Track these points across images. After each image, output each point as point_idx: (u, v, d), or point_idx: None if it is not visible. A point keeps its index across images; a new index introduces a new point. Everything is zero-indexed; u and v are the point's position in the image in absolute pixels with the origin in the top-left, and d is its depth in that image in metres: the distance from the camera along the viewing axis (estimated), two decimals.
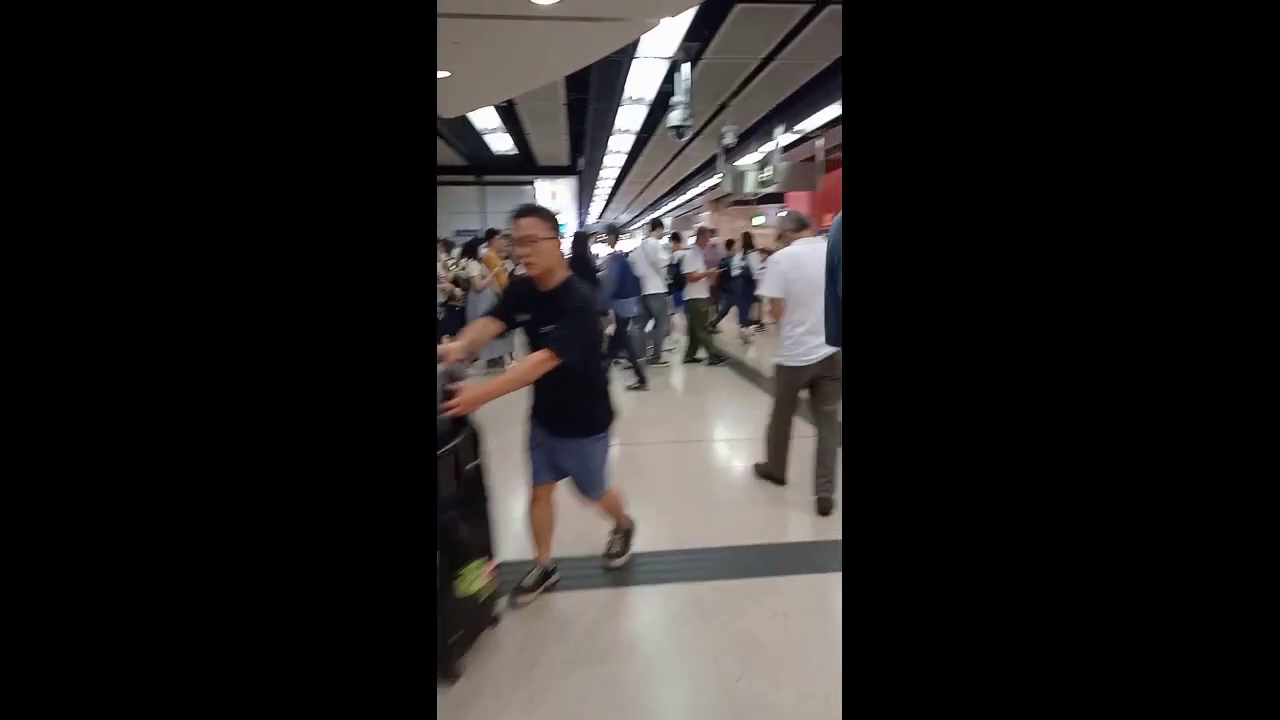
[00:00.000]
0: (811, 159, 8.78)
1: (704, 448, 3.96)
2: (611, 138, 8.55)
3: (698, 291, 6.32)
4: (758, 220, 17.42)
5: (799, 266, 2.82)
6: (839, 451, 2.97)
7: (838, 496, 2.78)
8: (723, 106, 7.09)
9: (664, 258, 6.40)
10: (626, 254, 5.73)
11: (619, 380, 5.68)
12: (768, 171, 8.10)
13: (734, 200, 17.25)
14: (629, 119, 7.52)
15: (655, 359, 6.52)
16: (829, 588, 2.17)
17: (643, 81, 6.06)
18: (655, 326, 6.59)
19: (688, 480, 3.27)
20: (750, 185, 8.64)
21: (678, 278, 6.48)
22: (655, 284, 6.29)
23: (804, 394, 2.94)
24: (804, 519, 2.75)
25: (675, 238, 7.25)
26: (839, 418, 2.96)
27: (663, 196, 16.79)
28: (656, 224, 6.73)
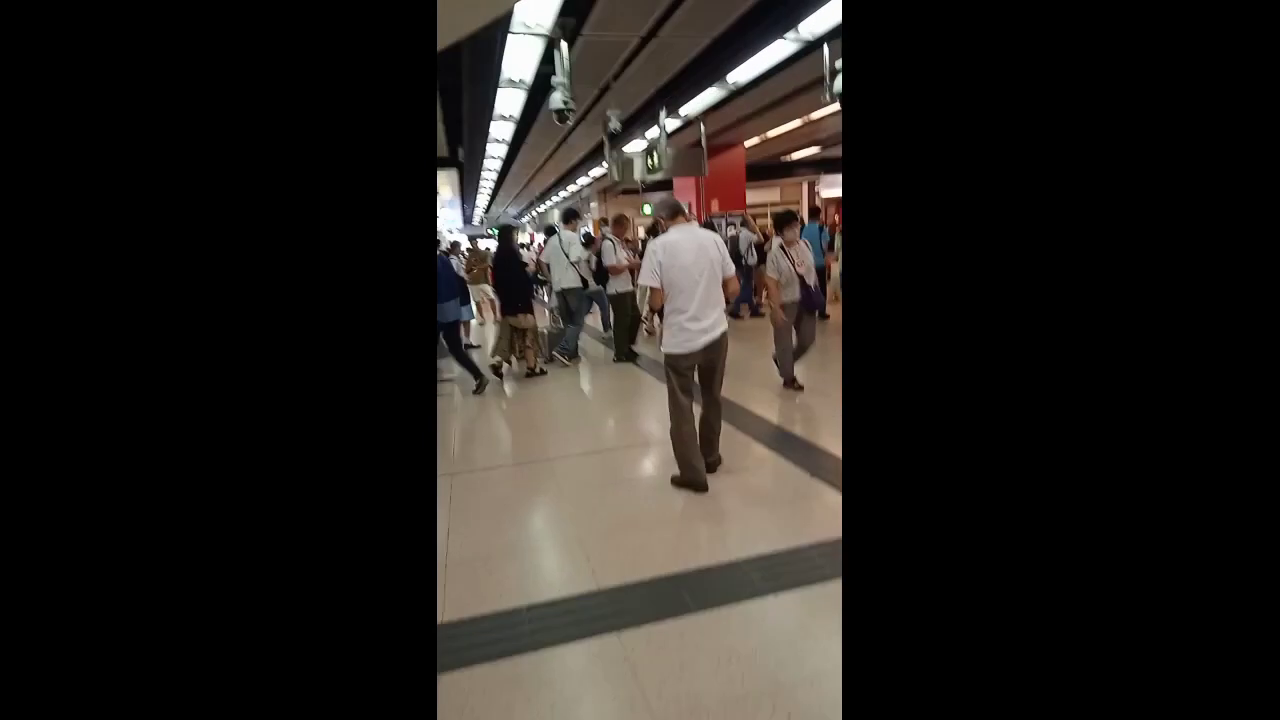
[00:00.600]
0: (698, 144, 8.66)
1: (618, 456, 3.66)
2: (492, 125, 8.02)
3: (622, 285, 5.95)
4: (647, 209, 17.31)
5: (675, 255, 2.75)
6: (720, 425, 3.05)
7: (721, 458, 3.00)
8: (605, 89, 6.75)
9: (579, 251, 6.06)
10: (446, 253, 5.49)
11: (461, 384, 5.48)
12: (654, 158, 7.88)
13: (622, 189, 17.07)
14: (508, 104, 7.01)
15: (573, 357, 6.18)
16: (771, 614, 1.94)
17: (519, 62, 5.61)
18: (573, 322, 6.23)
19: (600, 500, 2.95)
20: (638, 173, 8.39)
21: (599, 271, 6.10)
22: (571, 278, 5.96)
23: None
24: (730, 530, 2.52)
25: (588, 239, 6.92)
26: (719, 397, 2.98)
27: (550, 188, 16.23)
28: (571, 215, 6.31)
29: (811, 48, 5.69)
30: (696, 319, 2.78)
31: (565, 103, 5.17)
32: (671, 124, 7.89)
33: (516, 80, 6.28)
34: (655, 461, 3.31)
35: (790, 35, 5.52)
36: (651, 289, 2.87)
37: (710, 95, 7.10)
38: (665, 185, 15.56)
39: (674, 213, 2.99)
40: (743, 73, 6.38)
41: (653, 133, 8.13)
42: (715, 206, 11.01)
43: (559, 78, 5.18)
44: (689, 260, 2.76)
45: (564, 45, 5.04)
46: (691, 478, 2.88)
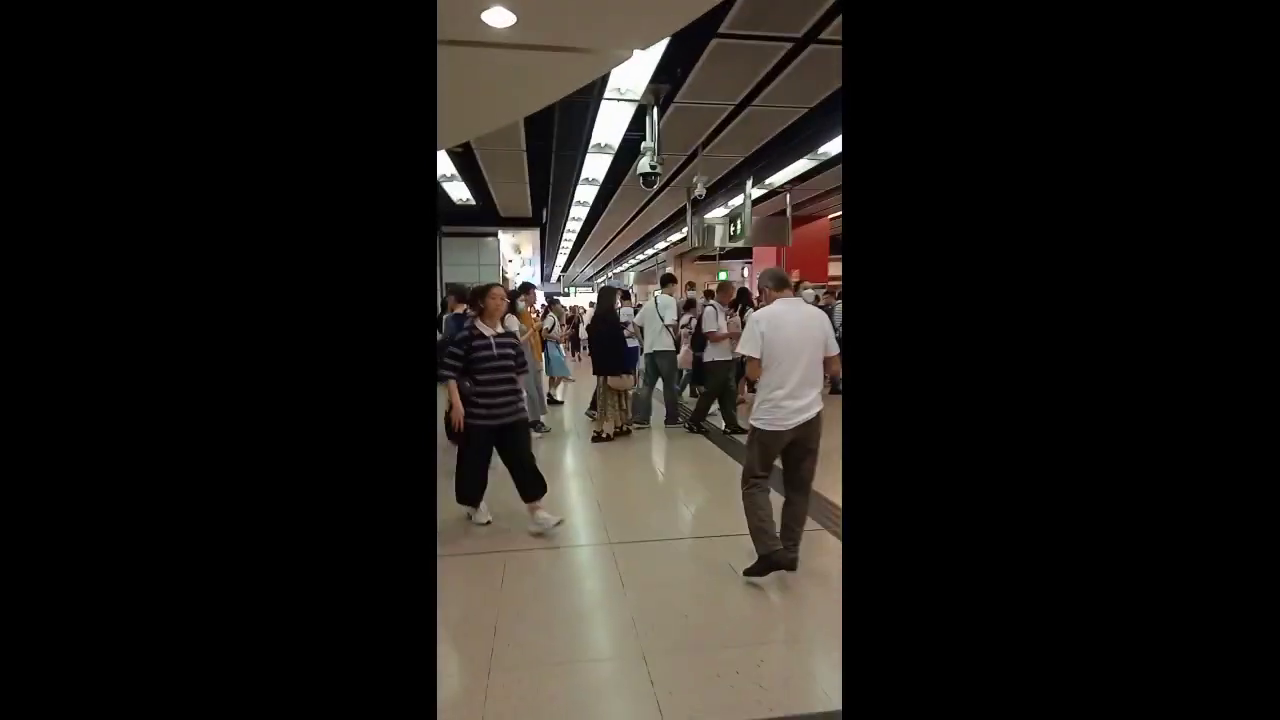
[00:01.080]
0: (782, 213, 8.50)
1: (692, 547, 3.29)
2: (577, 187, 8.17)
3: (719, 353, 5.48)
4: (722, 275, 17.24)
5: (778, 327, 2.64)
6: (805, 517, 2.81)
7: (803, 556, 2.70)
8: (693, 155, 6.73)
9: (673, 315, 5.84)
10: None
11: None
12: (738, 225, 7.75)
13: (700, 255, 17.13)
14: (594, 168, 7.09)
15: (673, 420, 5.96)
16: None
17: (609, 126, 5.62)
18: (666, 387, 6.03)
19: (669, 602, 2.59)
20: (719, 239, 8.29)
21: (697, 336, 5.78)
22: (664, 342, 5.75)
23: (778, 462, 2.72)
24: (815, 654, 2.11)
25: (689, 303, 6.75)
26: (810, 483, 2.79)
27: (627, 250, 16.45)
28: (668, 279, 6.16)
29: None
30: (794, 397, 2.61)
31: (653, 166, 5.11)
32: (756, 192, 7.79)
33: (604, 145, 6.35)
34: (735, 555, 2.93)
35: None
36: (750, 359, 2.72)
37: (799, 166, 6.95)
38: (743, 253, 15.50)
39: (780, 284, 2.86)
40: (835, 145, 6.21)
41: (736, 200, 8.05)
42: (796, 276, 10.75)
43: (648, 142, 5.14)
44: (792, 334, 2.63)
45: (655, 111, 5.01)
46: (771, 555, 2.62)
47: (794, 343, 2.62)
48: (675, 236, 11.97)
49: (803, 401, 2.62)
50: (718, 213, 8.76)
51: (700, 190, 6.46)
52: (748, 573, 2.68)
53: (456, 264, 11.00)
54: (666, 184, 7.93)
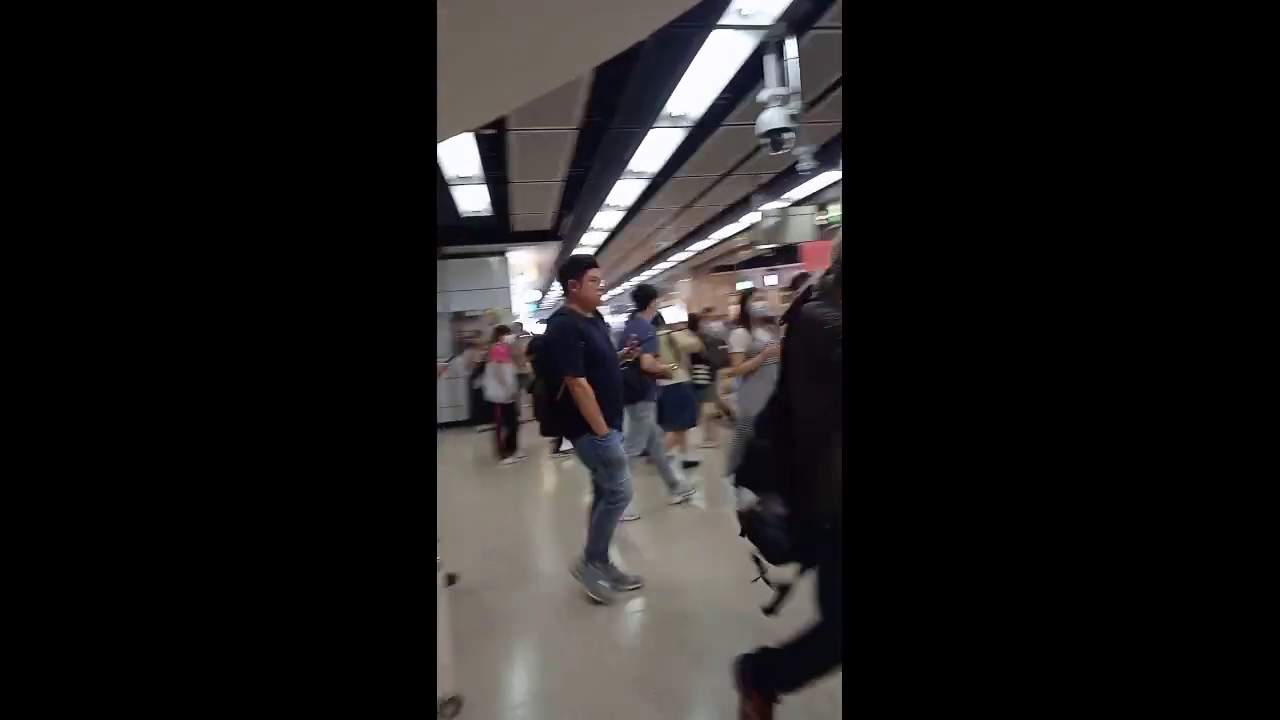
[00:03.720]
0: None
1: None
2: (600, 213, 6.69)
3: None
4: (742, 286, 15.88)
5: None
6: None
7: None
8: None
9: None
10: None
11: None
12: (833, 211, 6.33)
13: (716, 266, 15.74)
14: (657, 148, 5.62)
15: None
16: None
17: (704, 80, 4.16)
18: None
19: None
20: (802, 231, 6.84)
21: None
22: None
23: None
24: None
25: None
26: None
27: (644, 263, 14.96)
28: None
29: None
30: None
31: (793, 118, 3.65)
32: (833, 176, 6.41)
33: (679, 116, 4.95)
34: None
35: None
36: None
37: None
38: (762, 262, 14.15)
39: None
40: None
41: (813, 182, 6.66)
42: None
43: (777, 89, 3.69)
44: None
45: (791, 43, 3.58)
46: None
47: None
48: (725, 231, 10.38)
49: None
50: (782, 203, 7.34)
51: (808, 161, 4.98)
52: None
53: (455, 290, 9.46)
54: (742, 163, 6.48)
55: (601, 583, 2.90)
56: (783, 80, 3.66)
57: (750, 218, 8.20)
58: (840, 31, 3.76)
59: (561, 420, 2.80)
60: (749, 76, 4.00)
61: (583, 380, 2.69)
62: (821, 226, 6.55)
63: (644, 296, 4.35)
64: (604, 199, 7.16)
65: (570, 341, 2.71)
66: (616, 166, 6.02)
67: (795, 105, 3.61)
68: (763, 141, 3.79)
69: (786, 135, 3.72)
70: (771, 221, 6.88)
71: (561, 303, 2.91)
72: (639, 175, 6.38)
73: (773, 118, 3.67)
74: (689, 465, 5.35)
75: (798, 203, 7.22)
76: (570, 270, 2.86)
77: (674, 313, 15.70)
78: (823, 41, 3.73)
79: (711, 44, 3.57)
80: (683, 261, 14.23)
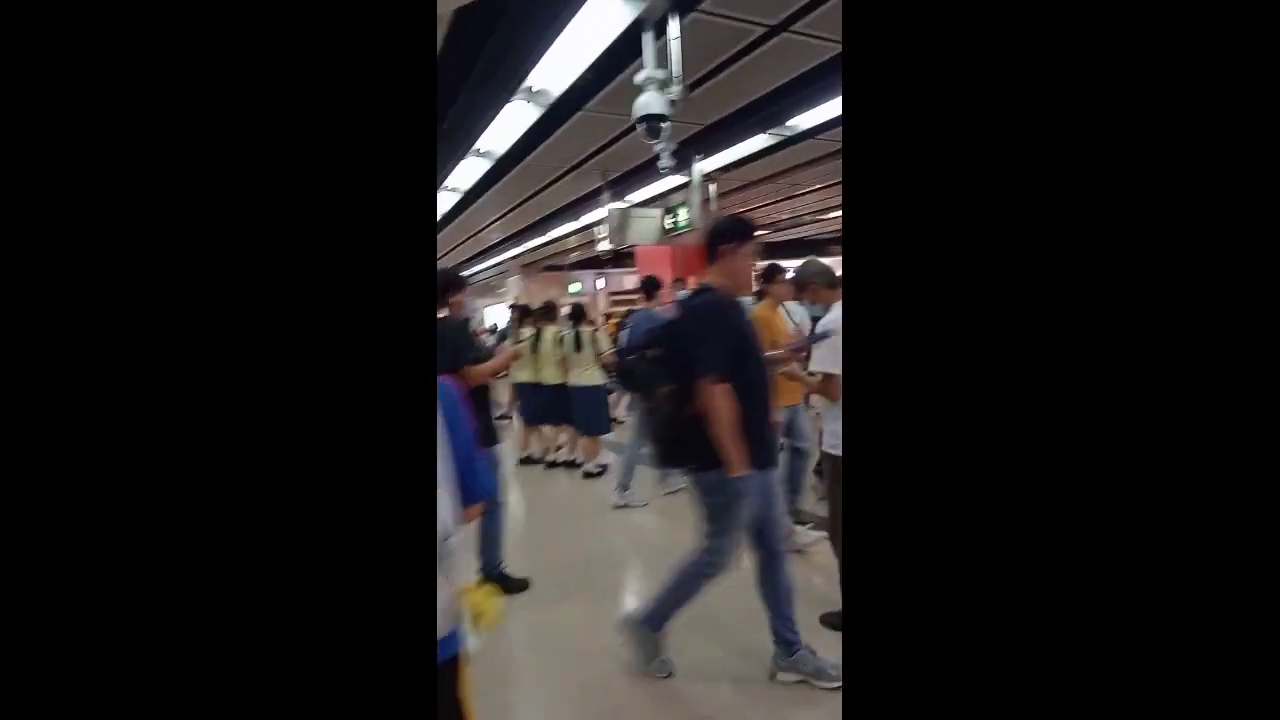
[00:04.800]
0: (706, 202, 7.28)
1: None
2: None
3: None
4: (574, 287, 15.70)
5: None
6: None
7: None
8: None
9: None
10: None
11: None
12: (683, 215, 6.33)
13: (547, 265, 15.35)
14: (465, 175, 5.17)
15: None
16: None
17: (569, 53, 3.84)
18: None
19: None
20: (648, 234, 6.77)
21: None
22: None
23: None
24: None
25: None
26: None
27: (472, 258, 14.09)
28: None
29: None
30: None
31: (674, 103, 3.48)
32: (678, 179, 6.45)
33: (485, 151, 5.00)
34: None
35: None
36: (828, 375, 2.29)
37: (755, 143, 5.76)
38: (593, 264, 14.10)
39: (834, 283, 2.61)
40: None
41: (662, 184, 6.65)
42: (693, 283, 9.64)
43: (654, 71, 3.51)
44: None
45: (674, 22, 3.42)
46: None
47: None
48: (565, 229, 10.03)
49: None
50: (632, 202, 7.24)
51: (667, 159, 4.87)
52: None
53: None
54: (597, 154, 6.22)
55: (652, 659, 2.23)
56: (663, 62, 3.49)
57: (591, 215, 8.01)
58: (719, 20, 3.72)
59: (691, 446, 1.97)
60: (616, 58, 3.78)
61: (727, 386, 1.92)
62: (668, 230, 6.55)
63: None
64: (443, 180, 6.49)
65: (721, 332, 1.96)
66: (461, 143, 5.45)
67: (676, 91, 3.44)
68: (639, 127, 3.57)
69: (665, 124, 3.55)
70: (617, 221, 6.74)
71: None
72: (485, 155, 5.86)
73: (650, 102, 3.47)
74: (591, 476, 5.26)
75: (642, 204, 7.17)
76: (726, 235, 2.07)
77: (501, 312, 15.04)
78: (698, 26, 3.62)
79: (586, 12, 3.28)
80: (513, 258, 13.66)
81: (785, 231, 11.67)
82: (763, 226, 10.76)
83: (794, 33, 3.82)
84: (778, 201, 9.11)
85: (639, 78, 3.54)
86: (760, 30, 3.83)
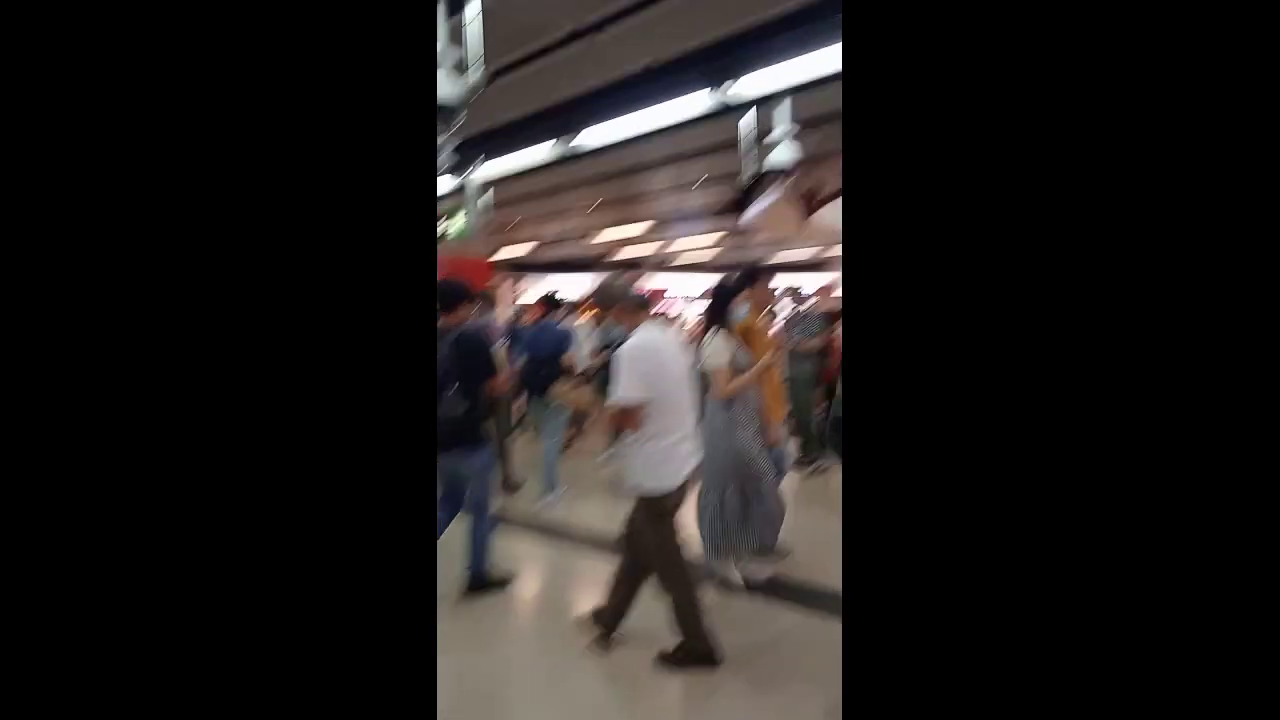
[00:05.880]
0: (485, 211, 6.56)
1: None
2: None
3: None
4: None
5: (663, 361, 2.21)
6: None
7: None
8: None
9: None
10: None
11: None
12: (453, 223, 5.54)
13: None
14: None
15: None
16: None
17: None
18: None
19: None
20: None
21: None
22: None
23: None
24: None
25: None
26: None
27: None
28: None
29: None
30: (688, 438, 2.26)
31: (473, 90, 2.86)
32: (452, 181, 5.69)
33: None
34: None
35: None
36: (626, 408, 2.13)
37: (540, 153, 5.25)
38: None
39: (640, 305, 2.33)
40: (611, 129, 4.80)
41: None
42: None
43: (447, 49, 2.86)
44: (678, 370, 2.26)
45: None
46: (704, 647, 2.24)
47: (682, 381, 2.24)
48: None
49: (692, 444, 2.27)
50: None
51: (451, 156, 4.11)
52: (669, 657, 2.29)
53: None
54: None
55: None
56: (458, 39, 2.85)
57: None
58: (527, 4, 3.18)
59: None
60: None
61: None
62: (441, 237, 5.75)
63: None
64: None
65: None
66: None
67: (477, 75, 2.83)
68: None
69: (461, 113, 2.90)
70: None
71: None
72: None
73: (443, 88, 2.81)
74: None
75: None
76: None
77: None
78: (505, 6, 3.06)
79: None
80: None
81: (551, 248, 11.39)
82: (527, 241, 10.33)
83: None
84: (549, 217, 8.77)
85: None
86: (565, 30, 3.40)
